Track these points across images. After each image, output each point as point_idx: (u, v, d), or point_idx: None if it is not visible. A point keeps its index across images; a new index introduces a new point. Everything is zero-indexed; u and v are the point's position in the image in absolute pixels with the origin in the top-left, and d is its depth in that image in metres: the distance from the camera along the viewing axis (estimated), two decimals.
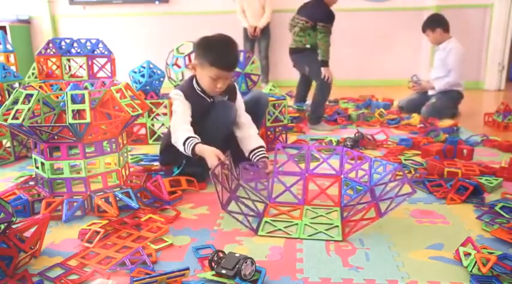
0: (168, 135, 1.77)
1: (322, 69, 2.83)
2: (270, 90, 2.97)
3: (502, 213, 1.38)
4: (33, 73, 2.68)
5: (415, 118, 3.09)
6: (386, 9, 5.27)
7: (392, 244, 1.26)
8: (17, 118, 1.39)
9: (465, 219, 1.43)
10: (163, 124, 2.57)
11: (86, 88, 1.77)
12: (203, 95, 1.76)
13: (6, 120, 1.41)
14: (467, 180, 1.62)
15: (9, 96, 2.16)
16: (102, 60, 2.56)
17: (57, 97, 1.69)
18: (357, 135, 2.41)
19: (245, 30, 5.05)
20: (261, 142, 1.76)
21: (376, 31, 5.34)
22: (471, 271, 1.08)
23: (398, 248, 1.23)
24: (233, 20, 5.00)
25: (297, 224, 1.39)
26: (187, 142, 1.57)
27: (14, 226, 1.15)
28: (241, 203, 1.34)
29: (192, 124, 1.66)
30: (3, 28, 5.10)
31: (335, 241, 1.28)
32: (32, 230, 1.18)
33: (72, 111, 1.44)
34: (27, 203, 1.48)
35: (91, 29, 5.52)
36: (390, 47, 5.37)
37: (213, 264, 1.08)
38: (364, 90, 4.72)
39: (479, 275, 1.06)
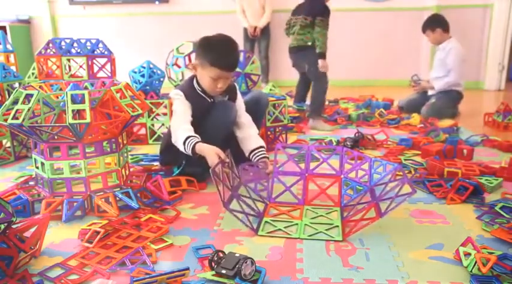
0: (168, 135, 1.77)
1: (320, 61, 2.85)
2: (270, 90, 2.97)
3: (502, 212, 1.38)
4: (33, 74, 2.68)
5: (415, 118, 3.09)
6: (386, 9, 5.26)
7: (392, 244, 1.26)
8: (17, 118, 1.39)
9: (465, 219, 1.43)
10: (163, 124, 2.57)
11: (86, 88, 1.76)
12: (203, 95, 1.76)
13: (6, 120, 1.41)
14: (467, 180, 1.62)
15: (9, 96, 2.16)
16: (102, 60, 2.56)
17: (57, 97, 1.69)
18: (357, 135, 2.41)
19: (245, 30, 5.05)
20: (261, 143, 1.76)
21: (376, 31, 5.33)
22: (471, 271, 1.08)
23: (398, 248, 1.23)
24: (233, 20, 5.00)
25: (297, 224, 1.39)
26: (187, 141, 1.57)
27: (14, 226, 1.15)
28: (243, 201, 1.34)
29: (193, 124, 1.67)
30: (3, 28, 5.11)
31: (335, 241, 1.28)
32: (32, 230, 1.18)
33: (72, 111, 1.43)
34: (27, 203, 1.48)
35: (91, 29, 5.52)
36: (390, 47, 5.36)
37: (213, 264, 1.08)
38: (364, 90, 4.72)
39: (479, 275, 1.06)
